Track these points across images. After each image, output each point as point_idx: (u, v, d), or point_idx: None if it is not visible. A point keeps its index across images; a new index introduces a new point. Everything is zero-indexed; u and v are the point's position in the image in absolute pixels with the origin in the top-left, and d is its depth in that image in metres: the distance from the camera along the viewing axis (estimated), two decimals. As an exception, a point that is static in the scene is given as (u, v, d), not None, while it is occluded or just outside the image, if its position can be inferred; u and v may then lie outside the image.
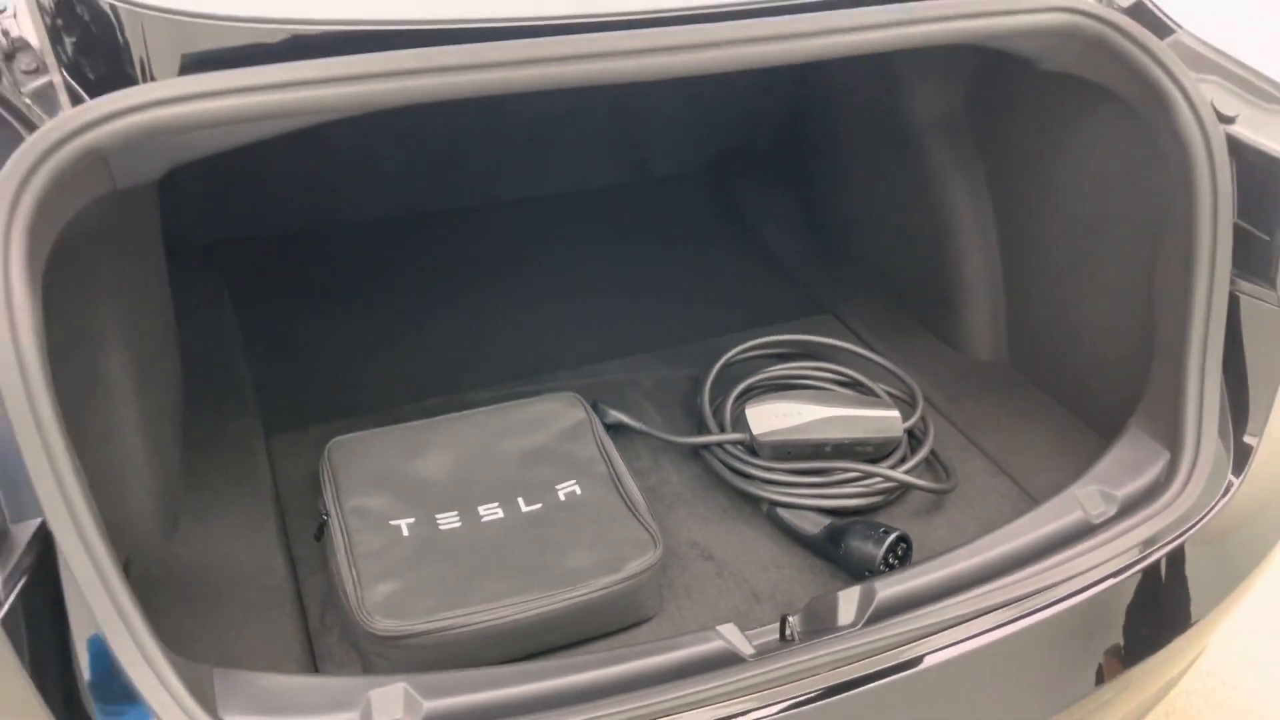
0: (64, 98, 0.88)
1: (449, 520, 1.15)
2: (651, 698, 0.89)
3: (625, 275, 1.78)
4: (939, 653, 0.98)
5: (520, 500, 1.18)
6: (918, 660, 0.97)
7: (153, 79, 0.93)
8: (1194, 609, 1.14)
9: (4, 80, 0.93)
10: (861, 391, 1.41)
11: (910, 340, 1.59)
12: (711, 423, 1.35)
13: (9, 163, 0.82)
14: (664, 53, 0.99)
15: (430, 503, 1.17)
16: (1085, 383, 1.41)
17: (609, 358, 1.55)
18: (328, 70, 0.90)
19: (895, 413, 1.32)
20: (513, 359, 1.54)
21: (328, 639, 1.11)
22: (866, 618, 0.99)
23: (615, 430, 1.34)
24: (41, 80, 0.93)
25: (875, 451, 1.30)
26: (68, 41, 0.91)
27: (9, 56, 0.93)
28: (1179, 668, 1.24)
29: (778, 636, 1.02)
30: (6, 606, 0.78)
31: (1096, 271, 1.36)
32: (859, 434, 1.28)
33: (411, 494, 1.18)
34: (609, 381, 1.47)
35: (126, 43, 0.93)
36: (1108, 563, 1.06)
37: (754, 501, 1.27)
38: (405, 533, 1.13)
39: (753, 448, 1.29)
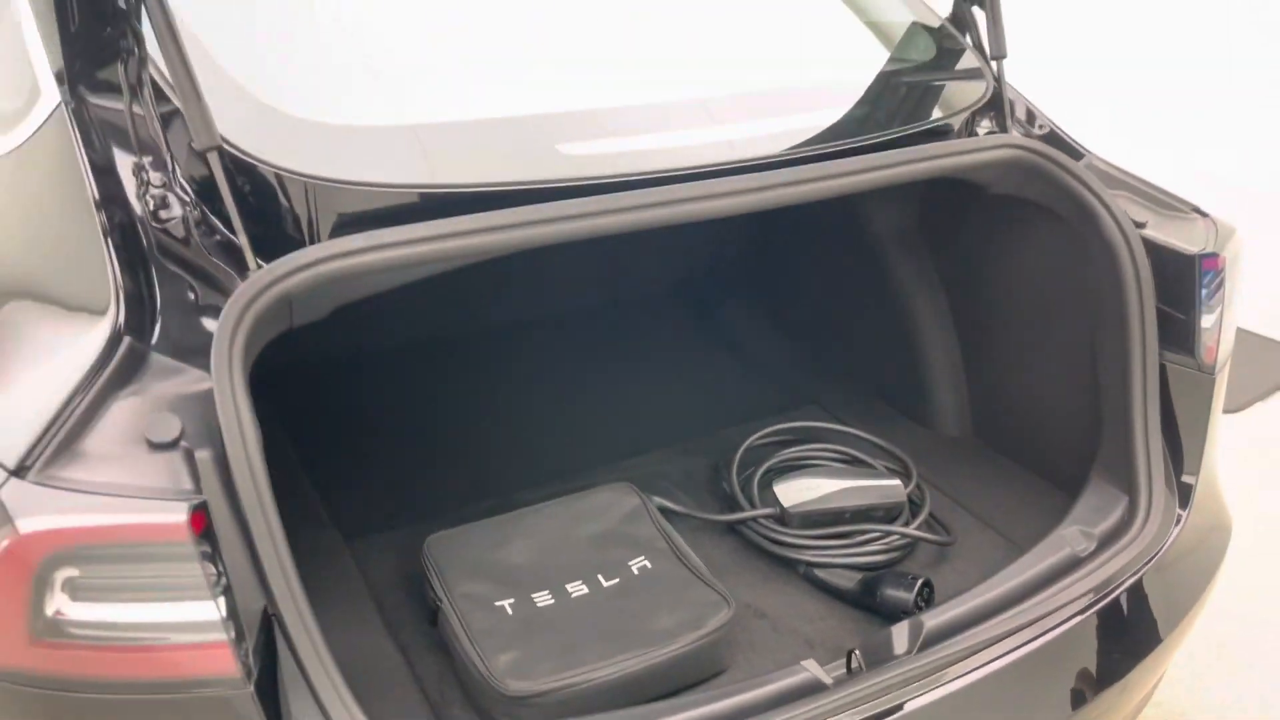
0: (249, 255, 1.06)
1: (543, 599, 1.33)
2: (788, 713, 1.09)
3: (628, 383, 2.00)
4: (983, 667, 1.20)
5: (600, 577, 1.37)
6: (967, 674, 1.19)
7: (318, 235, 1.12)
8: (1165, 622, 1.39)
9: (191, 240, 1.11)
10: (862, 466, 1.64)
11: (887, 422, 1.83)
12: (743, 501, 1.56)
13: (226, 310, 1.00)
14: (697, 201, 1.22)
15: (524, 585, 1.34)
16: (1042, 448, 1.68)
17: (634, 454, 1.75)
18: (458, 225, 1.11)
19: (897, 481, 1.56)
20: (552, 461, 1.73)
21: (450, 709, 1.26)
22: (919, 645, 1.20)
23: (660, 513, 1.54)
24: (221, 238, 1.11)
25: (885, 515, 1.53)
26: (243, 206, 1.09)
27: (194, 222, 1.11)
28: (1156, 675, 1.48)
29: (845, 670, 1.23)
30: (256, 676, 0.93)
31: (1045, 357, 1.64)
32: (871, 501, 1.52)
33: (506, 578, 1.35)
34: (640, 473, 1.67)
35: (291, 205, 1.12)
36: (1099, 586, 1.30)
37: (791, 565, 1.48)
38: (509, 611, 1.30)
39: (783, 519, 1.50)
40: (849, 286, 1.94)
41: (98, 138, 1.18)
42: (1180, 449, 1.49)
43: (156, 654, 0.91)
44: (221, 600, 0.92)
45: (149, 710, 0.92)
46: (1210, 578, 1.47)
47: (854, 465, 1.64)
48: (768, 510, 1.52)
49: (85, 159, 1.15)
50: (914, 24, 1.67)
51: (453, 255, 1.11)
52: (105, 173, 1.14)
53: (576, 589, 1.35)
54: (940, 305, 1.79)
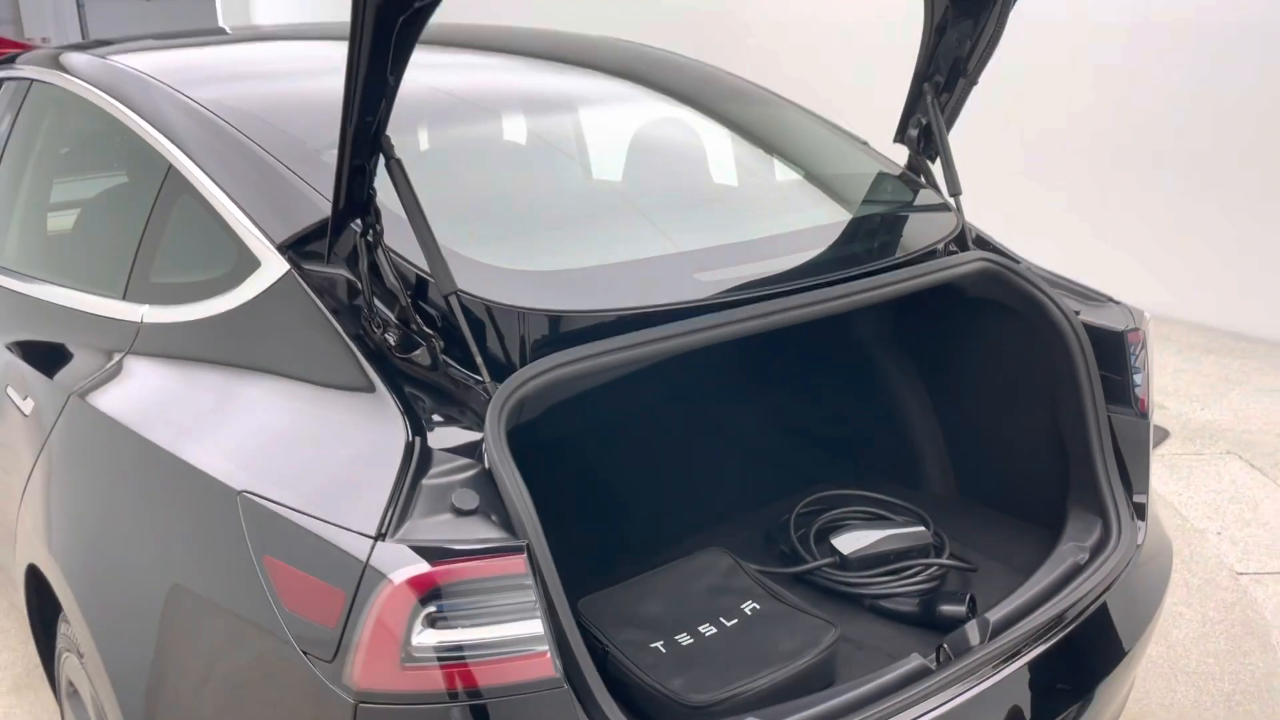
0: (484, 371, 1.38)
1: (684, 639, 1.65)
2: (896, 698, 1.44)
3: (670, 475, 2.32)
4: (1038, 647, 1.59)
5: (721, 619, 1.70)
6: (1027, 653, 1.58)
7: (527, 354, 1.45)
8: (1150, 604, 1.81)
9: (437, 364, 1.42)
10: (889, 519, 2.03)
11: (884, 489, 2.23)
12: (805, 555, 1.92)
13: (490, 409, 1.32)
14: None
15: (666, 629, 1.66)
16: (1018, 494, 2.11)
17: (696, 531, 2.08)
18: (639, 339, 1.47)
19: (922, 527, 1.95)
20: (641, 539, 2.04)
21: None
22: (989, 635, 1.58)
23: (740, 573, 1.88)
24: (459, 360, 1.43)
25: (919, 553, 1.91)
26: (475, 333, 1.42)
27: (439, 350, 1.42)
28: (1148, 645, 1.87)
29: (935, 661, 1.58)
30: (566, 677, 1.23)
31: (1013, 421, 2.08)
32: (909, 543, 1.90)
33: (650, 626, 1.66)
34: (711, 544, 2.00)
35: (508, 331, 1.45)
36: (1101, 582, 1.72)
37: (855, 600, 1.84)
38: (663, 650, 1.61)
39: (844, 565, 1.87)
40: (841, 384, 2.36)
41: (328, 294, 1.49)
42: (1128, 477, 1.94)
43: (498, 665, 1.19)
44: (542, 619, 1.21)
45: (488, 713, 1.20)
46: (1168, 573, 1.91)
47: (884, 519, 2.03)
48: (829, 559, 1.88)
49: (327, 309, 1.46)
50: (880, 172, 2.15)
51: (633, 361, 1.47)
52: (347, 317, 1.45)
53: (707, 629, 1.67)
54: (918, 388, 2.23)
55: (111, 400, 1.62)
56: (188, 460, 1.41)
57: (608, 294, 1.53)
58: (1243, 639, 2.79)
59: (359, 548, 1.19)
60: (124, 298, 1.79)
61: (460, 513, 1.23)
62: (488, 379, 1.38)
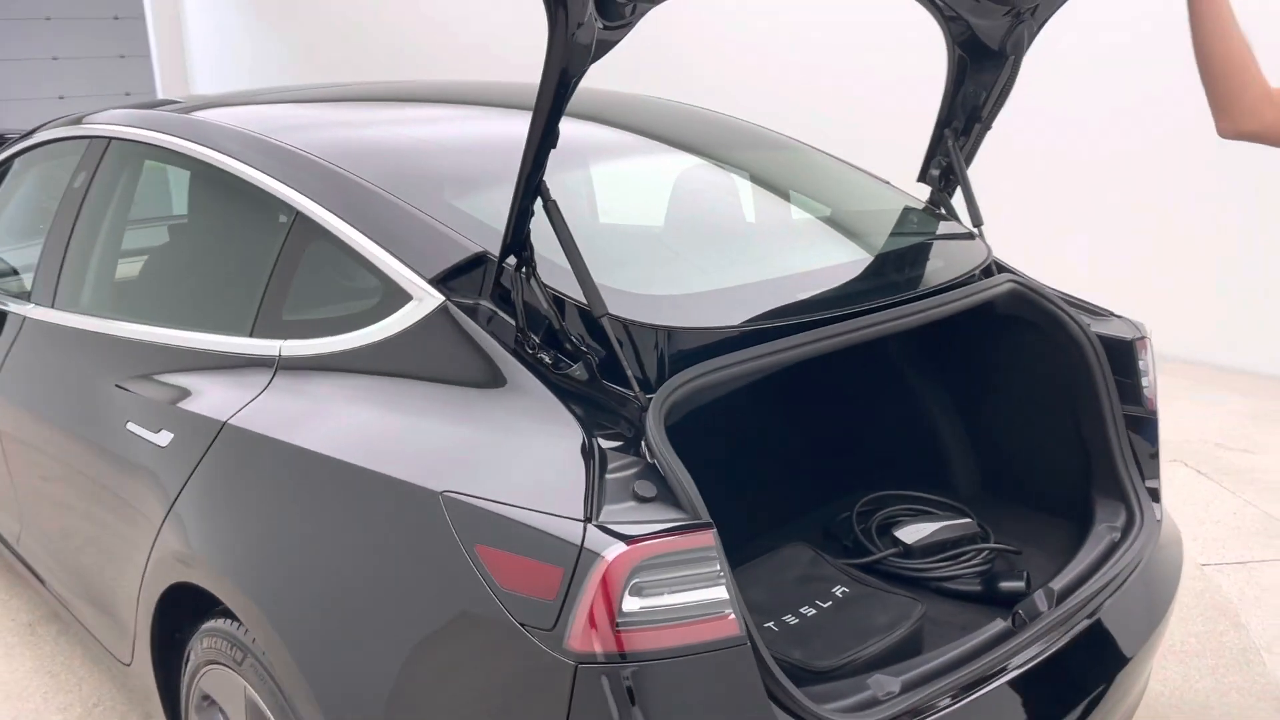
0: (634, 383, 1.59)
1: (790, 619, 1.86)
2: (988, 656, 1.68)
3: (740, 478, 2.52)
4: (1096, 611, 1.84)
5: (818, 601, 1.91)
6: (1088, 615, 1.83)
7: (668, 365, 1.66)
8: (1173, 577, 2.09)
9: (594, 379, 1.61)
10: (937, 513, 2.28)
11: (917, 490, 2.48)
12: (872, 548, 2.15)
13: (651, 409, 1.52)
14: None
15: (772, 612, 1.87)
16: (1042, 491, 2.37)
17: (763, 533, 2.30)
18: (764, 349, 1.69)
19: (969, 519, 2.20)
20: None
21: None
22: (1055, 601, 1.83)
23: (816, 565, 2.10)
24: (610, 375, 1.63)
25: (970, 541, 2.16)
26: (625, 351, 1.62)
27: (596, 366, 1.62)
28: (1172, 610, 2.14)
29: (1010, 624, 1.82)
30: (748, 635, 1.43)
31: (1035, 425, 2.35)
32: (961, 533, 2.15)
33: (758, 610, 1.87)
34: (779, 543, 2.22)
35: (639, 348, 1.65)
36: (1136, 556, 1.99)
37: (922, 585, 2.08)
38: (775, 629, 1.82)
39: (909, 554, 2.11)
40: (873, 394, 2.60)
41: (481, 321, 1.67)
42: (1140, 465, 2.22)
43: (692, 627, 1.39)
44: (727, 586, 1.42)
45: (685, 667, 1.39)
46: (1182, 552, 2.19)
47: (933, 514, 2.27)
48: (894, 550, 2.12)
49: (485, 335, 1.64)
50: (913, 207, 2.43)
51: (761, 370, 1.69)
52: (504, 340, 1.64)
53: (807, 610, 1.89)
54: (946, 398, 2.49)
55: (274, 423, 1.77)
56: (376, 469, 1.58)
57: (730, 312, 1.76)
58: (1216, 620, 3.10)
59: (572, 531, 1.38)
60: (251, 335, 1.95)
61: (643, 500, 1.43)
62: (637, 389, 1.59)
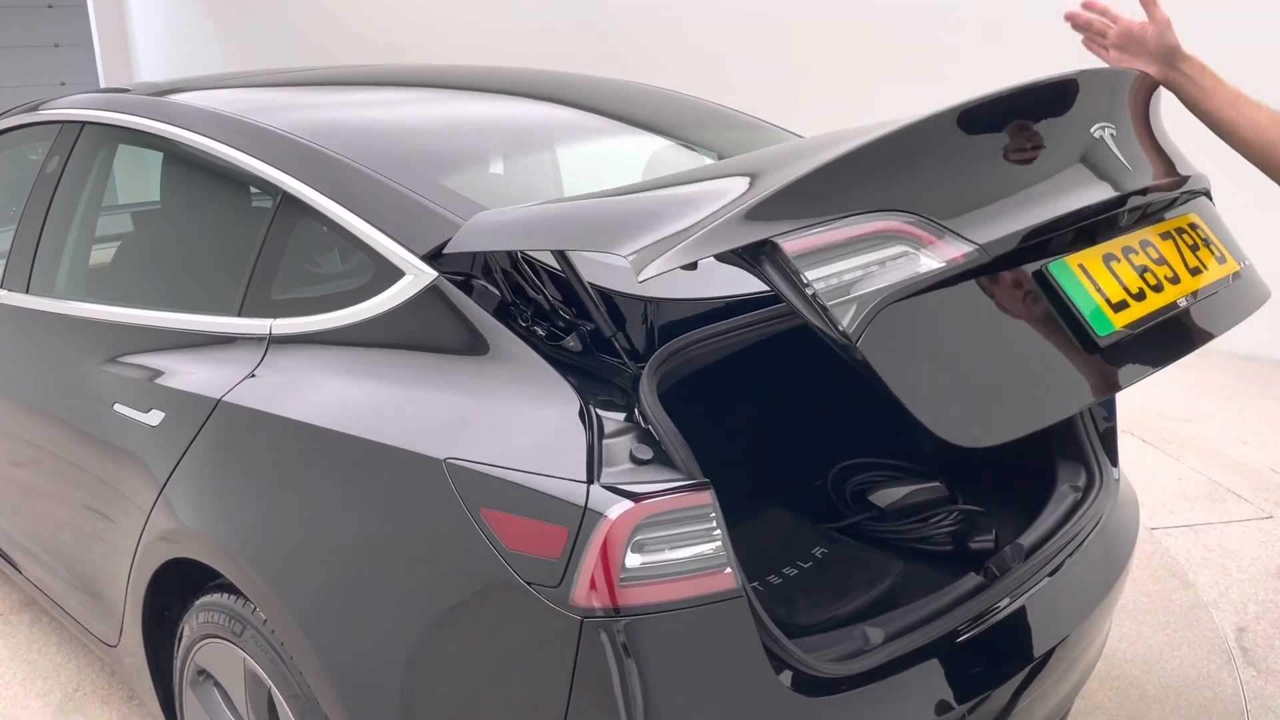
0: (624, 353, 1.65)
1: (774, 579, 1.93)
2: (965, 607, 1.77)
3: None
4: (1062, 563, 1.94)
5: (799, 562, 2.00)
6: (1055, 568, 1.93)
7: (657, 336, 1.72)
8: (1131, 534, 2.19)
9: (587, 349, 1.67)
10: (907, 478, 2.36)
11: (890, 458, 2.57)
12: (846, 512, 2.23)
13: (645, 376, 1.58)
14: None
15: (755, 573, 1.94)
16: (1005, 454, 2.45)
17: (740, 500, 2.37)
18: (755, 318, 1.76)
19: (938, 482, 2.29)
20: None
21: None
22: (1024, 556, 1.92)
23: (793, 531, 2.18)
24: (602, 345, 1.68)
25: (941, 503, 2.25)
26: (617, 322, 1.68)
27: (588, 337, 1.68)
28: (1130, 569, 2.25)
29: (983, 578, 1.91)
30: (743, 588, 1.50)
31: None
32: (930, 496, 2.24)
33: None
34: (757, 509, 2.29)
35: (623, 319, 1.71)
36: (1095, 512, 2.09)
37: (895, 546, 2.16)
38: (760, 588, 1.89)
39: (883, 517, 2.19)
40: (840, 370, 2.68)
41: (473, 296, 1.72)
42: (1100, 431, 2.33)
43: (692, 581, 1.46)
44: (723, 542, 1.48)
45: (684, 620, 1.46)
46: (1139, 511, 2.31)
47: (901, 479, 2.36)
48: (869, 514, 2.21)
49: (477, 309, 1.69)
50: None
51: (746, 340, 1.76)
52: (499, 314, 1.69)
53: (790, 570, 1.97)
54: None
55: (270, 398, 1.80)
56: (378, 440, 1.63)
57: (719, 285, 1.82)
58: (1166, 580, 3.24)
59: (575, 492, 1.44)
60: (240, 314, 1.98)
61: (640, 461, 1.49)
62: (627, 359, 1.65)
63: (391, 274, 1.78)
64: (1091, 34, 1.92)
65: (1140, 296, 1.70)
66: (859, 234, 1.44)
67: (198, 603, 1.95)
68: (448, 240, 1.76)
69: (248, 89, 2.67)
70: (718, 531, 1.48)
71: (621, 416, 1.56)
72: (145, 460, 2.01)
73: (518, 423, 1.57)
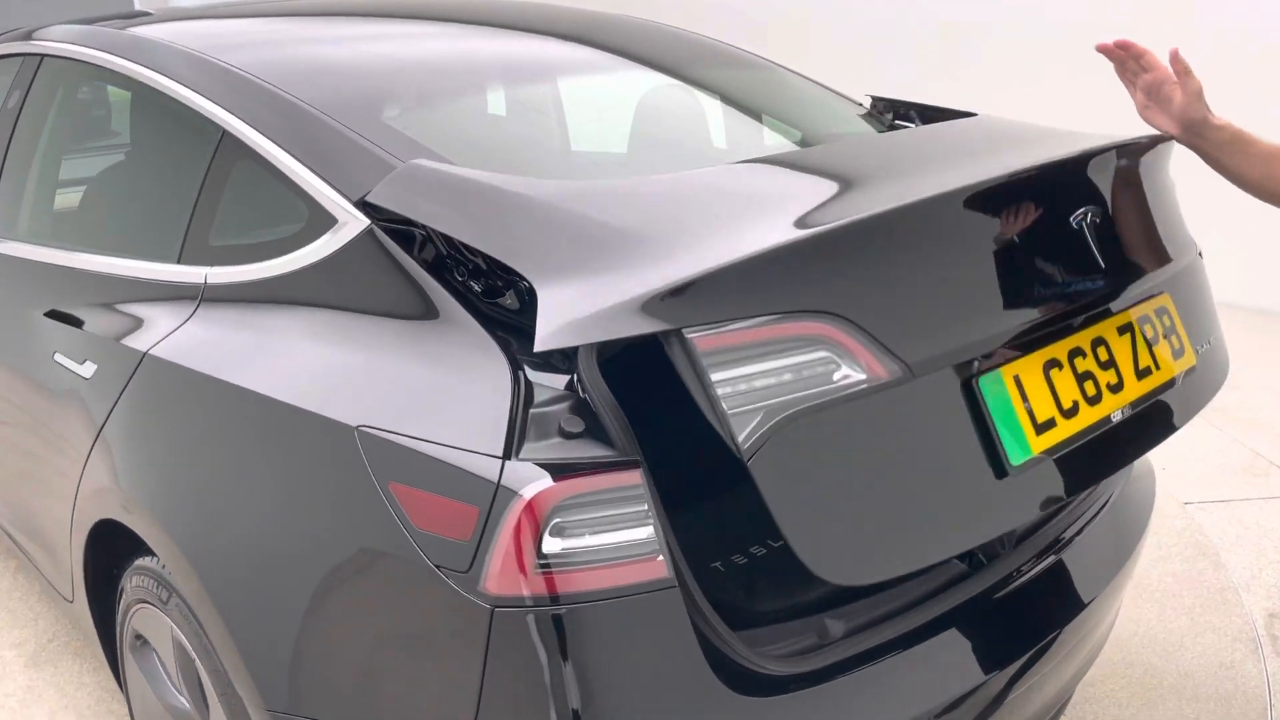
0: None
1: (738, 559, 1.78)
2: (941, 600, 1.60)
3: None
4: (1060, 550, 1.77)
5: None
6: (1054, 553, 1.76)
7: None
8: (1145, 510, 2.02)
9: (520, 302, 1.52)
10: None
11: None
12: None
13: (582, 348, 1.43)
14: None
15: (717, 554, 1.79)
16: None
17: None
18: None
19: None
20: None
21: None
22: (1014, 542, 1.75)
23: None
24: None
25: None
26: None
27: (521, 291, 1.53)
28: (1142, 549, 2.07)
29: (966, 567, 1.75)
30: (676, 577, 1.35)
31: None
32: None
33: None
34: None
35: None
36: (1103, 495, 1.91)
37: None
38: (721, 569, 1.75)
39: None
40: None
41: (409, 246, 1.57)
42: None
43: (617, 569, 1.31)
44: (654, 526, 1.33)
45: (609, 611, 1.31)
46: (1154, 490, 2.12)
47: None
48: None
49: (412, 258, 1.54)
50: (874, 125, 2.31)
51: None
52: (431, 265, 1.54)
53: (758, 550, 1.81)
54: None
55: (194, 355, 1.68)
56: (292, 402, 1.50)
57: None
58: (1195, 560, 3.04)
59: (489, 468, 1.30)
60: (179, 261, 1.86)
61: (569, 435, 1.34)
62: None
63: (324, 221, 1.64)
64: (1123, 68, 1.81)
65: (1072, 412, 1.58)
66: (780, 335, 1.33)
67: (132, 565, 1.85)
68: (380, 184, 1.61)
69: (239, 19, 2.51)
70: (649, 515, 1.33)
71: (556, 384, 1.40)
72: (81, 414, 1.91)
73: (440, 389, 1.43)
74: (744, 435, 1.30)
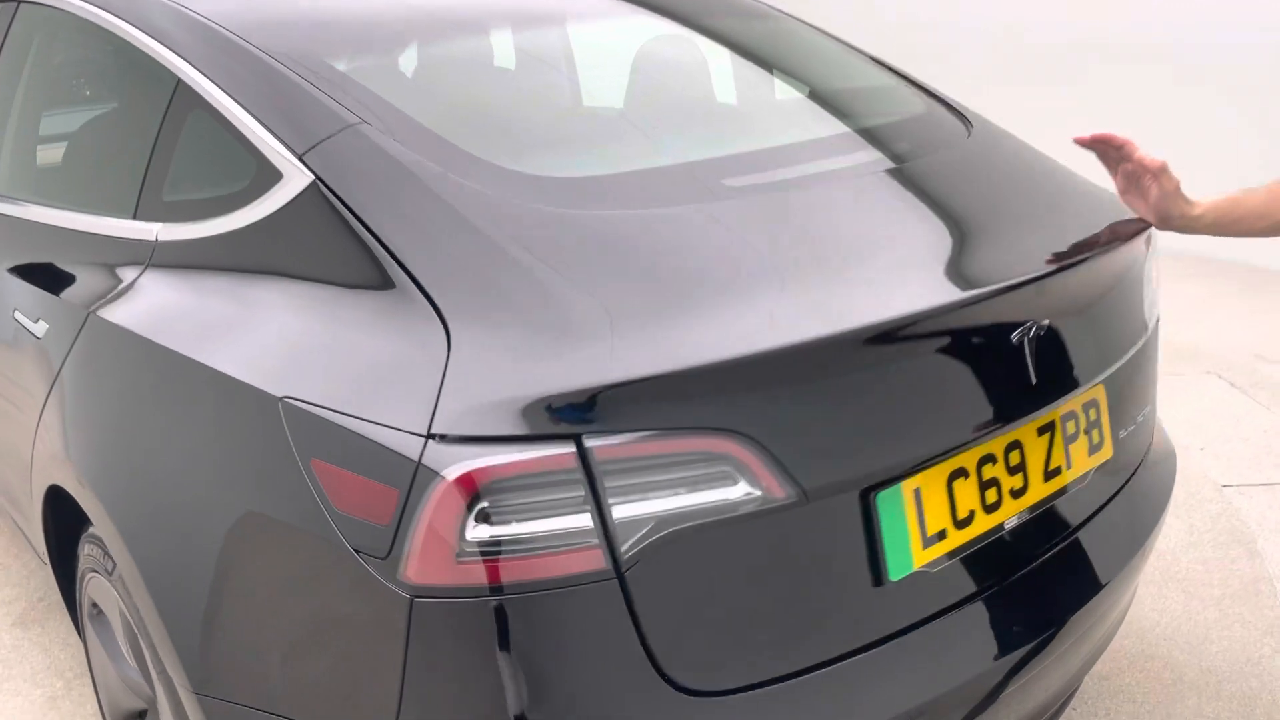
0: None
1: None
2: None
3: None
4: (1065, 538, 1.64)
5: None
6: (1056, 543, 1.62)
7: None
8: (1166, 489, 1.89)
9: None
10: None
11: None
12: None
13: None
14: None
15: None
16: None
17: None
18: None
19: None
20: None
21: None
22: None
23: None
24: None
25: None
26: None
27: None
28: (1162, 524, 1.92)
29: None
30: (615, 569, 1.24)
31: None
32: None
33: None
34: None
35: None
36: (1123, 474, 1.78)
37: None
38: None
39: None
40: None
41: (354, 203, 1.46)
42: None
43: (549, 559, 1.20)
44: (591, 514, 1.22)
45: (541, 605, 1.21)
46: (1173, 475, 1.97)
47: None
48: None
49: (356, 216, 1.43)
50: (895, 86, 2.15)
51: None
52: (376, 224, 1.43)
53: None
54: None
55: (134, 316, 1.60)
56: (222, 370, 1.41)
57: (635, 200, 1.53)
58: (1229, 547, 2.87)
59: (410, 446, 1.20)
60: (134, 217, 1.77)
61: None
62: None
63: (270, 175, 1.54)
64: (1104, 155, 1.78)
65: (966, 522, 1.47)
66: (681, 449, 1.23)
67: (86, 532, 1.79)
68: (331, 136, 1.51)
69: None
70: (587, 501, 1.22)
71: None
72: (34, 375, 1.84)
73: (373, 358, 1.33)
74: (626, 546, 1.22)
